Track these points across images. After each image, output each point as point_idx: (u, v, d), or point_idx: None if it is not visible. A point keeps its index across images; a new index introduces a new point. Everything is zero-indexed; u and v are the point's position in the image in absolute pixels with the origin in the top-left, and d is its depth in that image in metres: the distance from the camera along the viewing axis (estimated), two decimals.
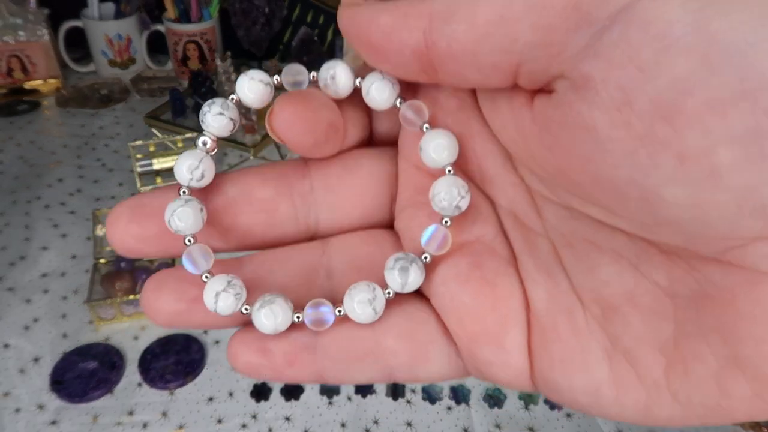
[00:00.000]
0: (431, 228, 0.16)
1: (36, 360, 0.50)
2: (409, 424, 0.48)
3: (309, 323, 0.16)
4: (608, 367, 0.14)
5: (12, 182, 0.70)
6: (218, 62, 0.81)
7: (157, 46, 0.93)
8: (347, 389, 0.50)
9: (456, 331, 0.16)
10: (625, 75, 0.11)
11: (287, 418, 0.47)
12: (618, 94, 0.11)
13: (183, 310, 0.16)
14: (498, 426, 0.48)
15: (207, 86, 0.77)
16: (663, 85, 0.11)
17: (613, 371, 0.14)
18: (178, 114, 0.81)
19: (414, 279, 0.16)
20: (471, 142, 0.17)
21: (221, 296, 0.15)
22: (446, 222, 0.16)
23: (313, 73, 0.17)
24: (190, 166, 0.16)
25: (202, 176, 0.16)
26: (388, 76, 0.16)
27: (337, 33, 0.96)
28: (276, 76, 0.16)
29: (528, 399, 0.49)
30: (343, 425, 0.47)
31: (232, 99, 0.16)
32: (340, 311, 0.16)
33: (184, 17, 0.87)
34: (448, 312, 0.16)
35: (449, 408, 0.49)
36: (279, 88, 0.17)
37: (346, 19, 0.15)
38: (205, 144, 0.16)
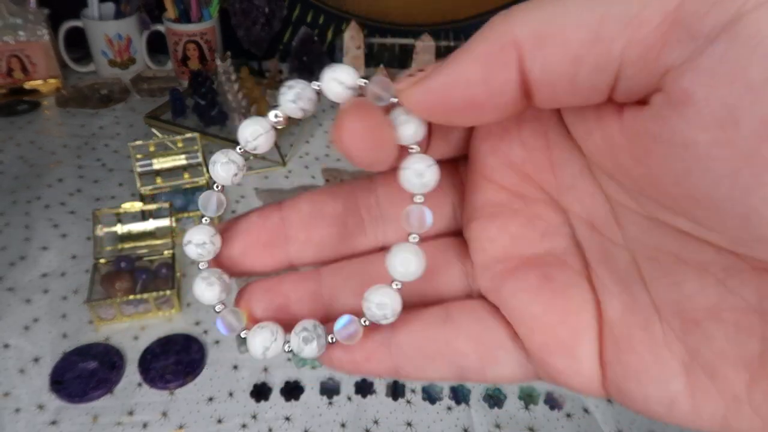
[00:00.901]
0: (345, 319, 0.17)
1: (36, 360, 0.50)
2: (409, 424, 0.48)
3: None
4: (685, 380, 0.14)
5: (12, 182, 0.70)
6: (218, 62, 0.81)
7: (157, 46, 0.93)
8: (347, 389, 0.50)
9: (527, 340, 0.16)
10: (732, 93, 0.11)
11: (287, 418, 0.47)
12: (722, 113, 0.11)
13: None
14: (498, 426, 0.48)
15: (207, 86, 0.77)
16: None
17: (691, 383, 0.14)
18: (178, 114, 0.81)
19: (310, 351, 0.17)
20: (547, 152, 0.16)
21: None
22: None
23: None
24: (254, 132, 0.16)
25: (255, 148, 0.17)
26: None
27: (337, 33, 0.96)
28: (359, 80, 0.16)
29: (528, 399, 0.49)
30: (343, 425, 0.47)
31: (315, 86, 0.16)
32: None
33: (184, 17, 0.87)
34: (518, 322, 0.17)
35: (449, 408, 0.49)
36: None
37: (422, 97, 0.14)
38: (276, 117, 0.17)
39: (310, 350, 0.17)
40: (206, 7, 0.88)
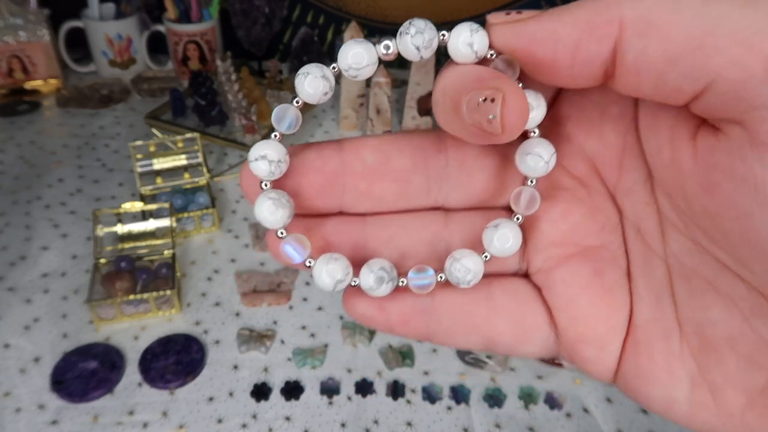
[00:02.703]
0: (427, 269, 0.17)
1: (36, 360, 0.50)
2: (409, 424, 0.48)
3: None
4: (688, 391, 0.15)
5: (12, 182, 0.70)
6: (218, 62, 0.81)
7: (158, 46, 0.93)
8: (347, 389, 0.50)
9: (565, 327, 0.17)
10: None
11: (287, 418, 0.47)
12: None
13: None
14: (498, 426, 0.48)
15: (207, 86, 0.78)
16: None
17: (693, 395, 0.15)
18: (179, 114, 0.81)
19: (382, 291, 0.17)
20: (620, 154, 0.17)
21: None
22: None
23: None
24: (357, 57, 0.15)
25: (357, 76, 0.15)
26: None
27: (337, 33, 0.96)
28: (490, 51, 0.15)
29: (528, 399, 0.49)
30: (343, 425, 0.47)
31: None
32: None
33: (185, 17, 0.87)
34: (561, 309, 0.17)
35: (449, 408, 0.49)
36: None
37: (511, 38, 0.14)
38: (388, 49, 0.15)
39: (382, 291, 0.16)
40: (206, 7, 0.88)
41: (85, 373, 0.49)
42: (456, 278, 0.16)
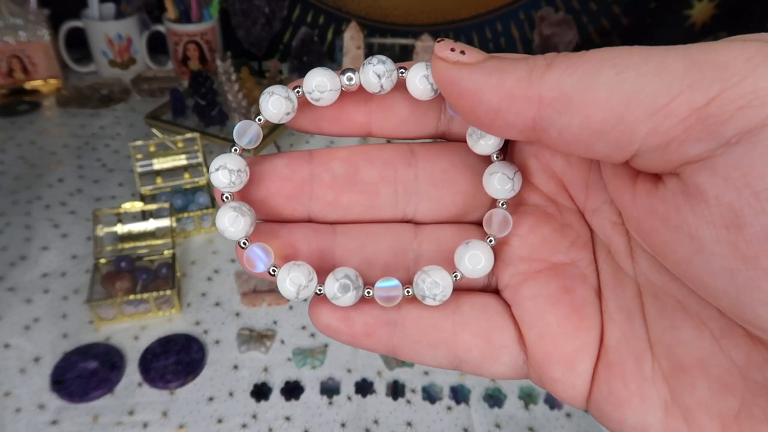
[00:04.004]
0: (392, 281, 0.17)
1: (36, 360, 0.50)
2: (409, 424, 0.48)
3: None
4: (662, 416, 0.15)
5: (12, 182, 0.70)
6: (218, 62, 0.81)
7: (158, 46, 0.93)
8: (347, 389, 0.50)
9: (533, 345, 0.16)
10: (741, 199, 0.11)
11: (287, 418, 0.47)
12: (729, 215, 0.11)
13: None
14: (498, 426, 0.48)
15: (207, 86, 0.78)
16: None
17: (666, 421, 0.15)
18: (179, 114, 0.81)
19: (345, 300, 0.16)
20: (586, 173, 0.17)
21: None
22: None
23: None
24: (321, 84, 0.16)
25: (319, 100, 0.16)
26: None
27: (337, 33, 0.96)
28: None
29: (528, 399, 0.49)
30: (343, 425, 0.47)
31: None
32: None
33: (185, 17, 0.87)
34: (529, 325, 0.17)
35: (449, 408, 0.49)
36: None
37: (444, 80, 0.14)
38: (350, 80, 0.16)
39: (346, 300, 0.16)
40: (206, 7, 0.88)
41: (85, 373, 0.49)
42: (423, 293, 0.16)
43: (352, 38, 0.85)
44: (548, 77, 0.13)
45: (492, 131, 0.14)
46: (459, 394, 0.49)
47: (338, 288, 0.16)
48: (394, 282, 0.16)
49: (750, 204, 0.11)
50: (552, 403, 0.49)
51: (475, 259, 0.16)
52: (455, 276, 0.17)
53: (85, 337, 0.52)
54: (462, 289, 0.18)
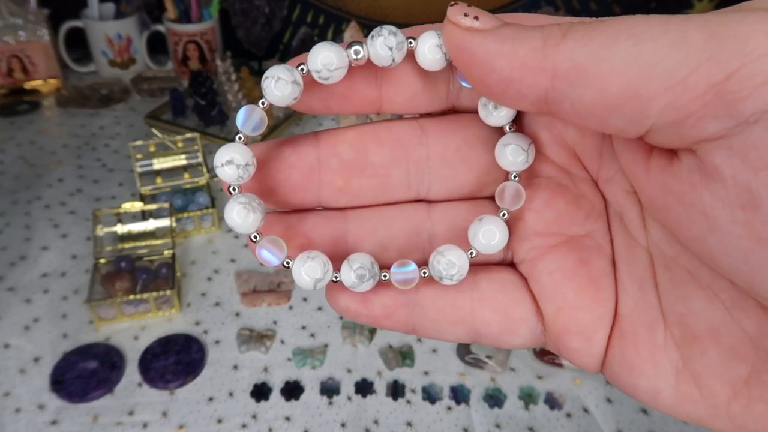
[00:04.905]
0: (409, 264, 0.16)
1: (36, 360, 0.50)
2: (409, 424, 0.48)
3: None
4: (673, 382, 0.15)
5: (12, 182, 0.70)
6: (218, 62, 0.81)
7: (158, 46, 0.93)
8: (347, 389, 0.50)
9: (551, 318, 0.17)
10: (757, 179, 0.11)
11: (287, 418, 0.47)
12: (745, 196, 0.11)
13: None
14: (498, 426, 0.48)
15: (207, 86, 0.77)
16: None
17: (677, 386, 0.15)
18: (179, 114, 0.81)
19: (364, 288, 0.16)
20: (599, 143, 0.16)
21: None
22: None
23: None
24: (327, 60, 0.15)
25: (328, 79, 0.15)
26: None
27: (337, 33, 0.96)
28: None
29: (528, 399, 0.49)
30: (343, 425, 0.47)
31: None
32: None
33: (184, 17, 0.87)
34: (547, 299, 0.17)
35: (449, 408, 0.49)
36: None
37: (456, 46, 0.14)
38: (358, 54, 0.15)
39: (364, 287, 0.16)
40: (206, 7, 0.88)
41: (85, 373, 0.49)
42: (440, 274, 0.16)
43: (352, 38, 0.85)
44: (563, 47, 0.12)
45: (503, 102, 0.14)
46: (459, 394, 0.49)
47: (355, 278, 0.16)
48: (411, 266, 0.16)
49: (767, 185, 0.11)
50: (552, 403, 0.49)
51: (489, 235, 0.16)
52: (471, 254, 0.16)
53: (85, 337, 0.52)
54: (478, 264, 0.18)
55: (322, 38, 0.97)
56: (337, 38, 0.95)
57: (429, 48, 0.15)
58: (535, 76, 0.13)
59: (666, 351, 0.15)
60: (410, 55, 0.16)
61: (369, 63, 0.16)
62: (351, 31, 0.76)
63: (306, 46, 0.89)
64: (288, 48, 0.95)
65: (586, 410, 0.49)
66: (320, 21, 0.96)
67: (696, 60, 0.11)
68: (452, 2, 0.14)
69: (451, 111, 0.18)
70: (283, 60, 0.96)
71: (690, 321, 0.15)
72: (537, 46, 0.13)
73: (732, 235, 0.12)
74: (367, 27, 0.92)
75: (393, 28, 0.15)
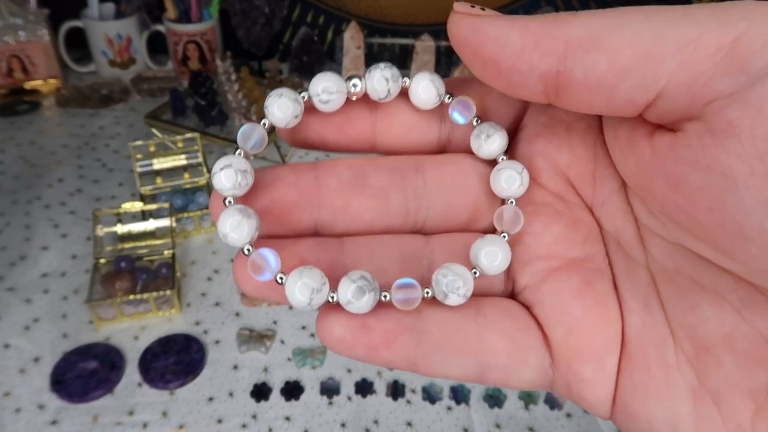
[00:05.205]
0: (409, 280, 0.16)
1: (36, 360, 0.50)
2: (409, 424, 0.48)
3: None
4: (692, 404, 0.14)
5: (12, 182, 0.70)
6: (218, 62, 0.81)
7: (158, 46, 0.93)
8: (347, 389, 0.50)
9: (560, 342, 0.16)
10: None
11: (287, 418, 0.47)
12: (764, 146, 0.12)
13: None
14: (498, 426, 0.48)
15: (207, 86, 0.77)
16: None
17: (696, 408, 0.14)
18: (179, 114, 0.81)
19: (361, 305, 0.15)
20: (592, 165, 0.17)
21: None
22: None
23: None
24: (327, 89, 0.16)
25: (327, 102, 0.16)
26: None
27: (337, 33, 0.96)
28: (445, 95, 0.17)
29: (528, 399, 0.49)
30: (343, 425, 0.47)
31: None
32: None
33: (184, 17, 0.87)
34: (555, 323, 0.16)
35: (449, 408, 0.49)
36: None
37: (465, 30, 0.14)
38: (355, 87, 0.16)
39: (362, 304, 0.15)
40: (206, 7, 0.88)
41: (85, 373, 0.49)
42: (445, 291, 0.15)
43: (352, 38, 0.85)
44: (575, 20, 0.13)
45: (512, 81, 0.14)
46: (459, 394, 0.49)
47: (354, 290, 0.15)
48: (412, 281, 0.15)
49: None
50: (552, 403, 0.49)
51: (491, 255, 0.16)
52: (474, 273, 0.16)
53: (85, 337, 0.52)
54: (478, 295, 0.17)
55: (322, 38, 0.97)
56: (337, 38, 0.95)
57: (423, 87, 0.16)
58: (548, 44, 0.13)
59: (679, 369, 0.15)
60: (404, 95, 0.17)
61: (366, 98, 0.17)
62: (351, 31, 0.76)
63: (306, 46, 0.89)
64: (288, 48, 0.95)
65: (586, 410, 0.49)
66: (320, 21, 0.96)
67: (705, 26, 0.12)
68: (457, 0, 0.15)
69: (443, 152, 0.18)
70: (283, 60, 0.96)
71: (700, 331, 0.14)
72: (548, 20, 0.13)
73: (752, 189, 0.12)
74: (367, 27, 0.92)
75: (388, 64, 0.16)
